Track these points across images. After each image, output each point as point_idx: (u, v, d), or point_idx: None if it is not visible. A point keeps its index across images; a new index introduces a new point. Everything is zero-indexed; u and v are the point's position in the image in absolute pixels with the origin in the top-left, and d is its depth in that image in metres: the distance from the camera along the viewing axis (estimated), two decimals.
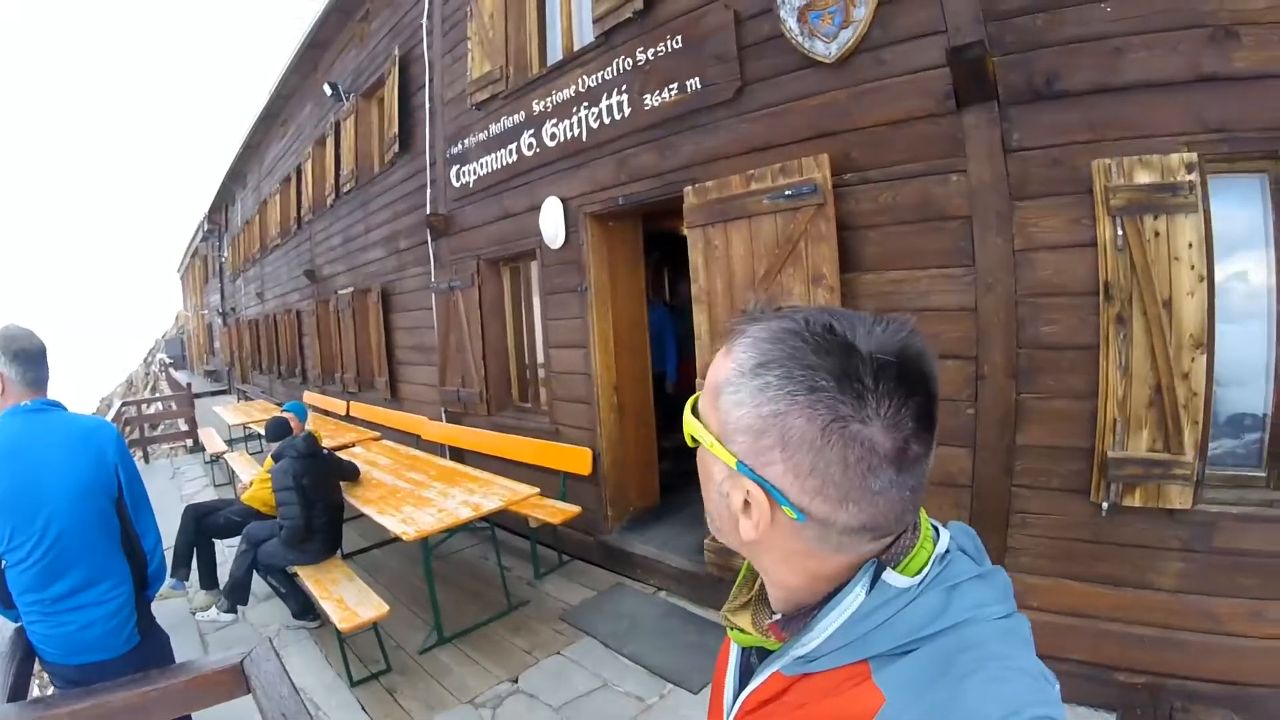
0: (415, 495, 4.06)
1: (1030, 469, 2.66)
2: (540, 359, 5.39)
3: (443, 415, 6.27)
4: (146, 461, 9.86)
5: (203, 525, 4.33)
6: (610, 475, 4.56)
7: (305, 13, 8.99)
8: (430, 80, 6.09)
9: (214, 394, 17.70)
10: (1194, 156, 2.23)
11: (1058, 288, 2.54)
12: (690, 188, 3.63)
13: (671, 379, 5.87)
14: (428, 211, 6.07)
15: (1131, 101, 2.37)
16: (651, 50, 3.85)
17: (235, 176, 15.22)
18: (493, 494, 3.96)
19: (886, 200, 2.99)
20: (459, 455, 5.90)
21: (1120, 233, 2.34)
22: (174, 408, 11.36)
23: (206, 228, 19.75)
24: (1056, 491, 2.60)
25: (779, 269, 3.18)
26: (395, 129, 6.63)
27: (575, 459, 4.63)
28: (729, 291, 3.44)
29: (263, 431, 4.51)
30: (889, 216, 2.99)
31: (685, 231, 3.69)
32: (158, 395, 16.77)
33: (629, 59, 3.99)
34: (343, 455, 4.69)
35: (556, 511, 4.31)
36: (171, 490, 7.59)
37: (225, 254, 17.53)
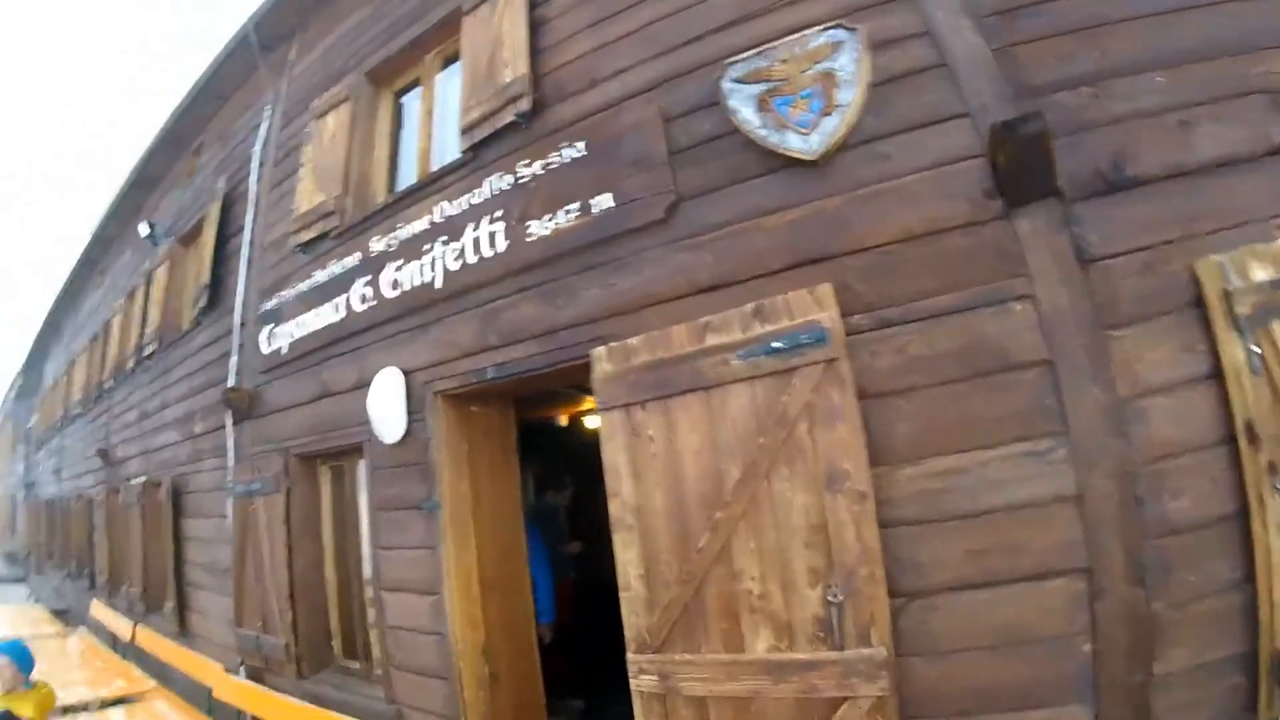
0: None
1: (1175, 704, 1.83)
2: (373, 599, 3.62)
3: (241, 669, 4.33)
4: None
5: None
6: None
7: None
8: (254, 219, 4.78)
9: (12, 581, 14.46)
10: None
11: (1181, 444, 1.81)
12: (602, 349, 2.44)
13: (545, 618, 3.69)
14: (228, 384, 4.46)
15: (1214, 183, 1.88)
16: (540, 162, 2.83)
17: (51, 329, 13.08)
18: None
19: (918, 349, 1.97)
20: None
21: (1255, 348, 1.76)
22: None
23: (21, 384, 16.66)
24: None
25: (768, 469, 1.93)
26: (206, 279, 5.16)
27: None
28: (677, 511, 2.13)
29: None
30: (925, 374, 1.97)
31: (597, 415, 2.45)
32: None
33: (507, 175, 2.93)
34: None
35: None
36: None
37: (34, 418, 14.65)
